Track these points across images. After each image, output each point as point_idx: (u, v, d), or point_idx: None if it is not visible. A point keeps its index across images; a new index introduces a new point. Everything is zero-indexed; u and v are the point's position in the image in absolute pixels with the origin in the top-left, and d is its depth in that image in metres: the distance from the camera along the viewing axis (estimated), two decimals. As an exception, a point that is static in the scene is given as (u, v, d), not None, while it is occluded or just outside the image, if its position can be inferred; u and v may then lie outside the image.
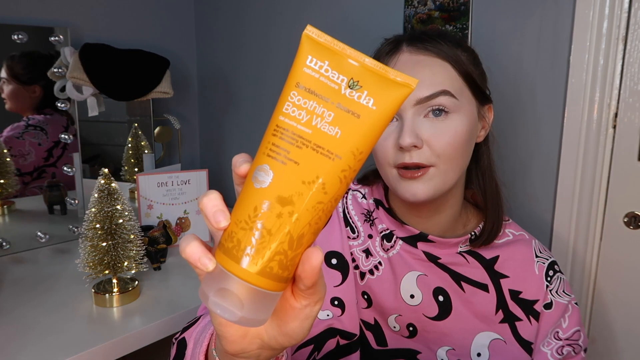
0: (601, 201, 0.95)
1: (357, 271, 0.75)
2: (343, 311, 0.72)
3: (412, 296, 0.73)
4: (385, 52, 0.69)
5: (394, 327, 0.73)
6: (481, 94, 0.69)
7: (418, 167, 0.66)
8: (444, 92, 0.64)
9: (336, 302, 0.73)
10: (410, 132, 0.64)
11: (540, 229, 1.01)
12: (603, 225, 0.95)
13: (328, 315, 0.73)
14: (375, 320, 0.73)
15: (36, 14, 1.32)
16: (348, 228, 0.77)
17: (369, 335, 0.73)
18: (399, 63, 0.67)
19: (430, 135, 0.65)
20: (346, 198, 0.81)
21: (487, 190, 0.73)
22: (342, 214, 0.78)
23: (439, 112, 0.65)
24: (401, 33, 0.73)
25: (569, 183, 0.96)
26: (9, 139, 1.27)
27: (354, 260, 0.75)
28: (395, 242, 0.76)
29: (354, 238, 0.77)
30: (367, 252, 0.76)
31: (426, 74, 0.65)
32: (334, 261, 0.75)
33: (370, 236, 0.77)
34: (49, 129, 1.30)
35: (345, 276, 0.74)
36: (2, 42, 1.20)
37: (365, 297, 0.74)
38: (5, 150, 1.24)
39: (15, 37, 1.19)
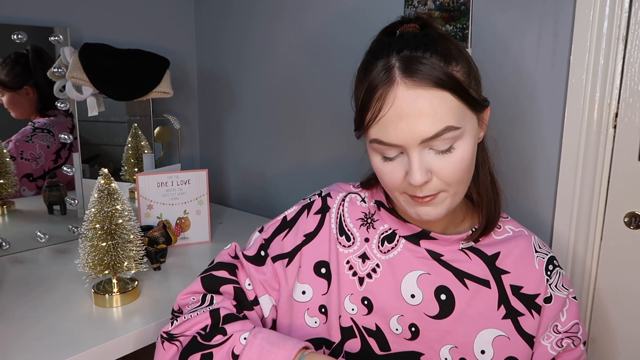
0: (601, 201, 0.94)
1: (356, 277, 0.76)
2: (327, 318, 0.76)
3: (412, 296, 0.73)
4: (381, 80, 0.63)
5: (396, 329, 0.73)
6: (478, 104, 0.66)
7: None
8: (448, 129, 0.62)
9: (323, 310, 0.76)
10: (420, 171, 0.63)
11: (541, 229, 1.01)
12: (603, 225, 0.95)
13: (316, 322, 0.76)
14: (377, 326, 0.74)
15: (36, 14, 1.32)
16: (343, 237, 0.79)
17: (372, 341, 0.74)
18: (397, 102, 0.62)
19: (438, 168, 0.64)
20: (343, 204, 0.81)
21: (481, 185, 0.73)
22: (337, 224, 0.80)
23: (445, 148, 0.64)
24: (393, 42, 0.67)
25: (569, 183, 0.96)
26: (20, 143, 1.27)
27: (351, 267, 0.77)
28: (398, 241, 0.76)
29: (349, 246, 0.78)
30: (364, 257, 0.77)
31: (426, 110, 0.61)
32: (323, 270, 0.78)
33: (366, 240, 0.78)
34: (55, 130, 1.30)
35: (329, 285, 0.77)
36: (2, 42, 1.20)
37: (366, 302, 0.75)
38: (5, 151, 1.24)
39: (15, 37, 1.19)
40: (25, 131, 1.28)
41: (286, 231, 0.81)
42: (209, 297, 0.75)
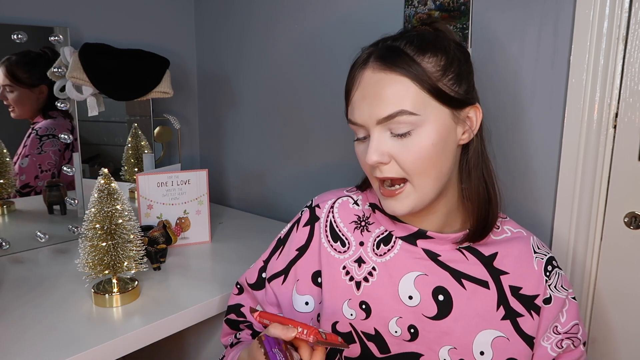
0: (601, 201, 0.94)
1: (353, 282, 0.76)
2: (320, 325, 0.77)
3: (410, 297, 0.73)
4: (359, 64, 0.70)
5: (395, 331, 0.73)
6: (454, 101, 0.67)
7: (392, 180, 0.68)
8: (402, 112, 0.65)
9: (319, 318, 0.78)
10: (375, 150, 0.66)
11: (540, 229, 1.01)
12: (603, 225, 0.95)
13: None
14: (376, 330, 0.74)
15: (36, 14, 1.32)
16: (338, 242, 0.79)
17: (371, 345, 0.74)
18: (362, 83, 0.68)
19: (395, 152, 0.67)
20: (332, 211, 0.82)
21: (473, 189, 0.72)
22: (329, 231, 0.80)
23: (402, 132, 0.66)
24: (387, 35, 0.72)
25: (569, 183, 0.96)
26: (36, 158, 1.28)
27: (347, 272, 0.77)
28: (394, 242, 0.76)
29: (344, 251, 0.78)
30: (360, 261, 0.77)
31: (384, 93, 0.65)
32: (319, 280, 0.79)
33: (361, 243, 0.78)
34: (57, 133, 1.30)
35: (322, 293, 0.78)
36: (2, 42, 1.20)
37: (364, 307, 0.75)
38: (5, 150, 1.24)
39: (15, 37, 1.19)
40: (33, 142, 1.28)
41: (280, 249, 0.85)
42: (233, 338, 0.87)
